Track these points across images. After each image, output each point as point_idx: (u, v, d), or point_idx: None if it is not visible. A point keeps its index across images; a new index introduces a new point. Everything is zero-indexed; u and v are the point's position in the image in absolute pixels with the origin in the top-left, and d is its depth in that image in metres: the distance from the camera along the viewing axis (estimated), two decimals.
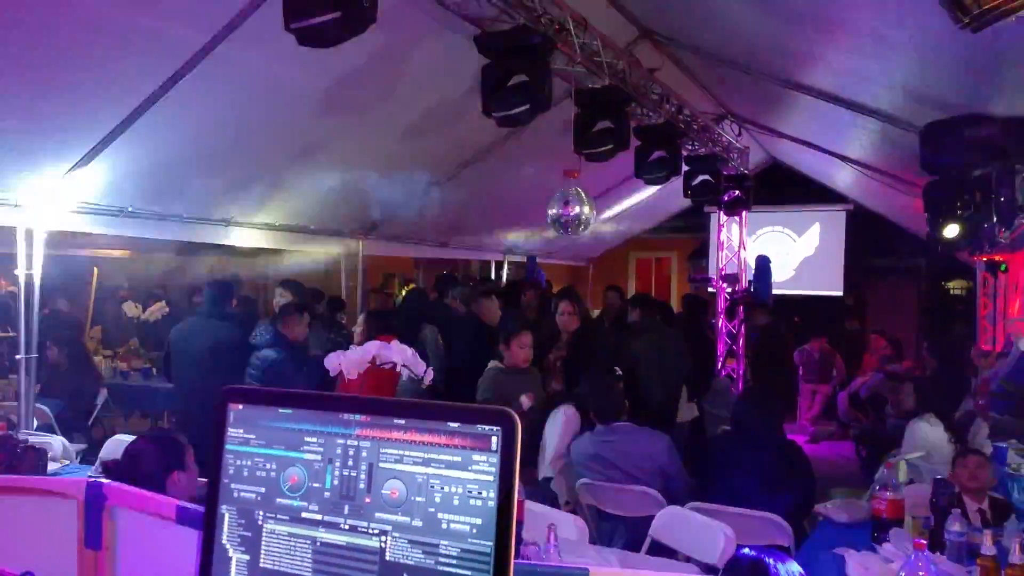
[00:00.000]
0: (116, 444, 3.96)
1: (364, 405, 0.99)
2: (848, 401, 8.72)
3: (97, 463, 3.92)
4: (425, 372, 3.00)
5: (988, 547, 2.72)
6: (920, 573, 2.60)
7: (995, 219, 5.17)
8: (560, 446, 4.25)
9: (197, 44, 3.75)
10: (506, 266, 10.31)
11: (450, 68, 4.88)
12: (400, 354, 2.86)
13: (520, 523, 2.89)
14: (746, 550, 1.99)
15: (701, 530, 3.23)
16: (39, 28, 3.31)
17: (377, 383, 3.91)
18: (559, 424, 4.37)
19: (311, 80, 4.49)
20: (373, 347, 2.89)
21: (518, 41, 4.07)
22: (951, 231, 5.18)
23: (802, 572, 1.82)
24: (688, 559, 3.28)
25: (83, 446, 5.20)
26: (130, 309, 8.50)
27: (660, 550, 3.38)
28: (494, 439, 0.91)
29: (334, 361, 2.82)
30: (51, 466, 3.92)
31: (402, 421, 0.96)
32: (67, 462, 4.23)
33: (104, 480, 2.09)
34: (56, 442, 4.37)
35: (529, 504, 3.10)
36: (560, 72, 4.70)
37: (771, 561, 1.83)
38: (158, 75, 3.86)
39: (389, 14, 3.27)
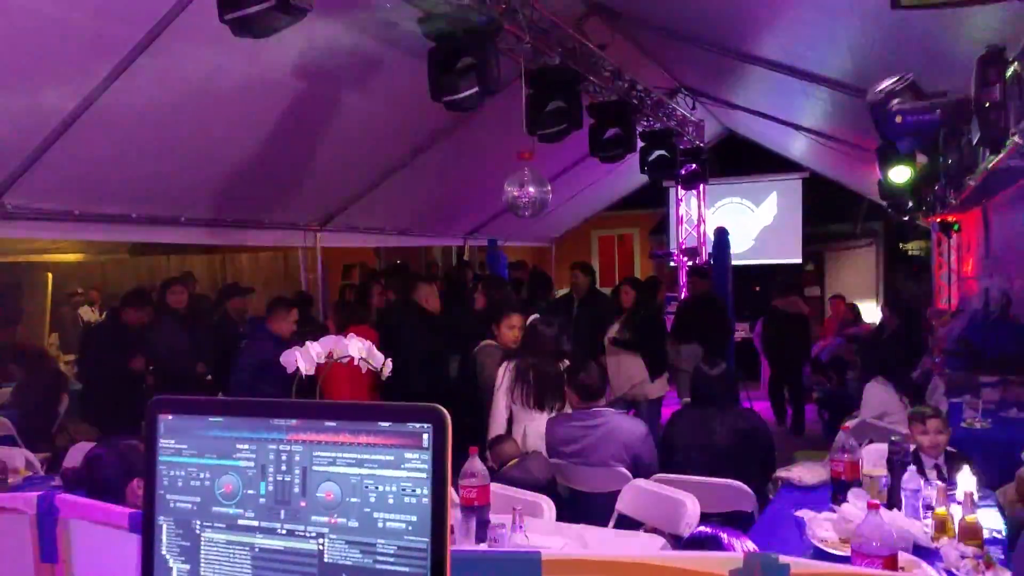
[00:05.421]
0: (80, 452, 3.90)
1: (294, 409, 0.98)
2: (810, 365, 8.87)
3: (60, 472, 3.87)
4: (383, 364, 2.99)
5: (940, 501, 2.81)
6: (876, 530, 2.67)
7: (944, 181, 5.27)
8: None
9: (133, 40, 3.66)
10: (467, 250, 10.26)
11: (395, 52, 4.82)
12: (356, 347, 2.84)
13: (486, 506, 2.91)
14: (703, 528, 2.05)
15: (666, 501, 3.27)
16: None
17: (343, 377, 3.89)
18: None
19: (255, 71, 4.40)
20: (329, 342, 2.87)
21: (463, 23, 4.00)
22: (900, 174, 5.20)
23: (755, 548, 1.87)
24: (654, 530, 3.33)
25: (47, 455, 5.12)
26: (86, 313, 8.33)
27: (627, 523, 3.42)
28: (425, 436, 0.92)
29: (290, 358, 2.80)
30: (12, 478, 3.86)
31: (333, 423, 0.96)
32: (29, 473, 4.17)
33: (58, 493, 2.06)
34: (18, 454, 4.31)
35: (495, 487, 3.12)
36: (509, 52, 4.66)
37: (725, 536, 1.88)
38: (95, 74, 3.77)
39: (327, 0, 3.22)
